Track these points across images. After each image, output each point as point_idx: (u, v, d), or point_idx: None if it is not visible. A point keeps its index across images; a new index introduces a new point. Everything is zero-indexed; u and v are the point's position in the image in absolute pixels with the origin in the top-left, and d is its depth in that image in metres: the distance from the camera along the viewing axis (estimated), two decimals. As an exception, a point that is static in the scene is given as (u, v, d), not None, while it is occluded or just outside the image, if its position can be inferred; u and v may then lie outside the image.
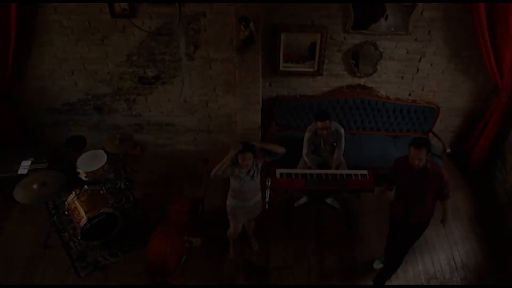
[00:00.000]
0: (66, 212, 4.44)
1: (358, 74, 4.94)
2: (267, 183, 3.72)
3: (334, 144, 4.64)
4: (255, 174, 3.88)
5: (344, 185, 4.31)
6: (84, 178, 4.51)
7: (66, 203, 4.44)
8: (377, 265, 4.35)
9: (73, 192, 4.39)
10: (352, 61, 4.84)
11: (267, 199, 3.73)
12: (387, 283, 4.20)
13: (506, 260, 4.44)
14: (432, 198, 3.65)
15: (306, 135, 4.59)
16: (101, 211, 4.20)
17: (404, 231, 3.88)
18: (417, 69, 4.89)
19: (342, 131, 4.57)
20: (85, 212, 4.18)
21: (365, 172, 4.41)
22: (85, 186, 4.44)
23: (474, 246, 4.58)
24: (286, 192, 4.92)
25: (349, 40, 4.70)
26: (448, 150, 4.98)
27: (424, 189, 3.57)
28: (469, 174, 5.32)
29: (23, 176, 4.49)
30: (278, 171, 4.41)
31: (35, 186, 3.89)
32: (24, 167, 4.85)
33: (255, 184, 3.95)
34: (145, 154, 5.72)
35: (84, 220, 4.14)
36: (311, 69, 4.92)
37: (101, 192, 4.48)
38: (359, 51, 4.73)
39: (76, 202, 4.32)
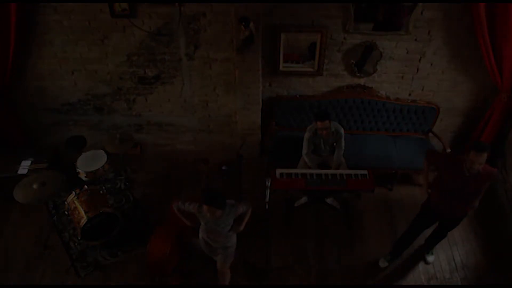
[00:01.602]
0: (66, 212, 4.44)
1: (358, 74, 4.94)
2: (267, 183, 3.73)
3: (334, 144, 4.64)
4: (224, 226, 3.57)
5: (344, 185, 4.31)
6: (84, 178, 4.51)
7: (66, 203, 4.44)
8: (383, 263, 4.36)
9: (73, 192, 4.39)
10: (352, 61, 4.84)
11: (267, 199, 3.73)
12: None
13: (506, 260, 4.44)
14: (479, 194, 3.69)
15: (306, 135, 4.59)
16: (101, 211, 4.20)
17: (442, 224, 4.01)
18: (417, 69, 4.89)
19: (342, 131, 4.57)
20: (85, 212, 4.18)
21: (365, 172, 4.41)
22: (85, 186, 4.44)
23: (474, 246, 4.58)
24: (286, 192, 4.92)
25: (349, 40, 4.70)
26: (448, 150, 4.97)
27: (475, 191, 3.58)
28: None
29: (23, 176, 4.49)
30: (278, 171, 4.41)
31: (35, 186, 3.89)
32: (24, 167, 4.85)
33: (223, 234, 3.63)
34: (145, 154, 5.72)
35: (84, 220, 4.13)
36: (311, 69, 4.92)
37: (101, 192, 4.48)
38: (359, 51, 4.74)
39: (76, 202, 4.32)
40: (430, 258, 4.40)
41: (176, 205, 3.61)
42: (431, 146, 5.09)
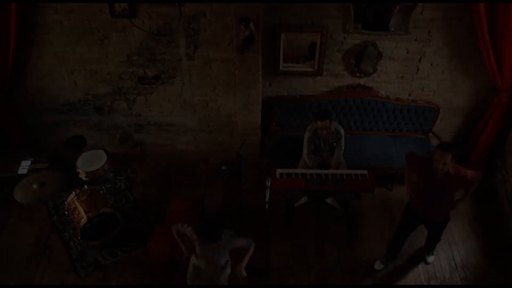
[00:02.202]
0: (66, 212, 4.44)
1: (358, 74, 4.94)
2: (267, 183, 3.72)
3: (334, 144, 4.64)
4: (219, 258, 3.34)
5: (344, 185, 4.31)
6: (84, 178, 4.51)
7: (66, 203, 4.44)
8: (378, 266, 4.35)
9: (73, 192, 4.39)
10: (352, 61, 4.84)
11: (267, 199, 3.73)
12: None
13: (506, 260, 4.43)
14: (453, 196, 3.66)
15: (306, 135, 4.59)
16: (101, 211, 4.20)
17: (427, 227, 4.02)
18: (417, 69, 4.89)
19: (342, 131, 4.57)
20: (85, 212, 4.18)
21: (365, 172, 4.40)
22: (85, 186, 4.44)
23: (474, 246, 4.58)
24: (286, 192, 4.92)
25: (349, 40, 4.70)
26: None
27: (447, 192, 3.56)
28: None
29: (23, 176, 4.49)
30: (278, 171, 4.41)
31: (35, 186, 3.88)
32: (24, 167, 4.85)
33: (218, 266, 3.39)
34: (145, 154, 5.72)
35: (84, 220, 4.13)
36: (311, 69, 4.92)
37: (101, 192, 4.48)
38: (360, 51, 4.74)
39: (76, 202, 4.32)
40: (430, 259, 4.40)
41: (176, 227, 3.47)
42: (431, 146, 5.09)
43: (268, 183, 3.73)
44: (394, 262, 4.37)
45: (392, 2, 4.35)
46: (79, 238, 4.26)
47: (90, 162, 4.54)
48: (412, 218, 3.96)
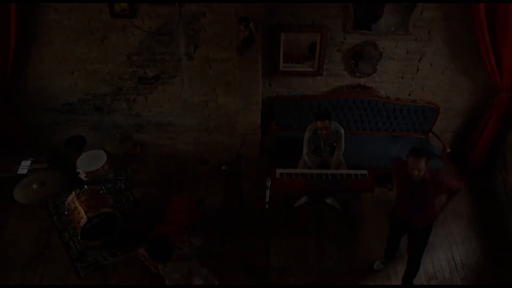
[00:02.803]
0: (66, 212, 4.44)
1: (358, 74, 4.94)
2: (267, 183, 3.72)
3: (334, 144, 4.64)
4: (173, 279, 3.27)
5: (344, 185, 4.31)
6: (84, 178, 4.51)
7: (66, 203, 4.44)
8: (378, 266, 4.35)
9: (73, 192, 4.39)
10: (352, 61, 4.84)
11: (267, 199, 3.73)
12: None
13: (506, 260, 4.43)
14: (433, 204, 3.60)
15: (306, 135, 4.59)
16: (101, 211, 4.20)
17: (409, 236, 3.90)
18: (417, 69, 4.89)
19: (342, 131, 4.57)
20: (85, 212, 4.18)
21: (365, 172, 4.40)
22: (85, 186, 4.44)
23: (474, 246, 4.57)
24: (286, 192, 4.92)
25: (349, 40, 4.70)
26: (448, 150, 4.98)
27: (424, 198, 3.50)
28: (469, 174, 5.32)
29: (23, 176, 4.49)
30: (278, 171, 4.41)
31: (35, 186, 3.88)
32: (24, 167, 4.85)
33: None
34: (145, 154, 5.72)
35: (84, 220, 4.13)
36: (311, 69, 4.92)
37: (101, 192, 4.48)
38: (360, 51, 4.73)
39: (76, 202, 4.32)
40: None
41: (141, 251, 3.50)
42: (431, 146, 5.09)
43: (268, 183, 3.72)
44: (394, 262, 4.37)
45: (393, 2, 4.35)
46: (79, 238, 4.26)
47: (90, 162, 4.54)
48: (396, 222, 3.95)
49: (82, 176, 4.50)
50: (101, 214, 4.21)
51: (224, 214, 4.89)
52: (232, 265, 4.40)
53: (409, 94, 5.12)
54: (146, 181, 5.32)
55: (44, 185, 3.93)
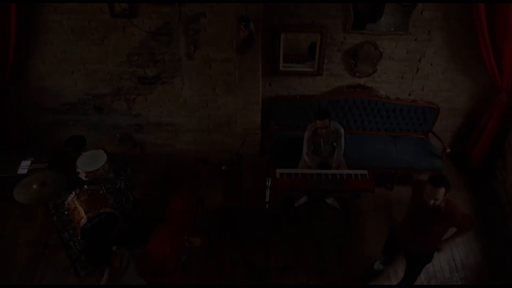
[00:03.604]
0: (66, 212, 4.44)
1: (358, 74, 4.94)
2: (267, 183, 3.72)
3: (334, 143, 4.64)
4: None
5: (344, 185, 4.31)
6: (84, 178, 4.51)
7: (66, 203, 4.43)
8: (378, 266, 4.35)
9: (73, 192, 4.38)
10: (352, 61, 4.84)
11: (267, 199, 3.73)
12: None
13: (506, 260, 4.44)
14: (439, 234, 3.44)
15: (306, 134, 4.59)
16: (101, 211, 4.19)
17: (406, 258, 3.83)
18: (417, 69, 4.89)
19: (342, 130, 4.57)
20: (85, 212, 4.18)
21: (365, 172, 4.41)
22: (85, 186, 4.44)
23: (474, 246, 4.57)
24: (286, 192, 4.92)
25: (349, 40, 4.70)
26: (448, 150, 4.98)
27: (431, 227, 3.34)
28: (469, 174, 5.33)
29: (23, 176, 4.49)
30: (278, 171, 4.41)
31: (35, 186, 3.89)
32: (24, 167, 4.85)
33: None
34: (145, 154, 5.72)
35: (84, 220, 4.13)
36: (311, 69, 4.92)
37: (101, 192, 4.48)
38: (360, 51, 4.73)
39: (76, 202, 4.32)
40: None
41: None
42: (431, 146, 5.09)
43: (268, 183, 3.72)
44: (394, 262, 4.37)
45: (393, 2, 4.35)
46: (79, 238, 4.26)
47: (90, 162, 4.54)
48: (394, 243, 3.89)
49: (82, 176, 4.50)
50: (101, 214, 4.21)
51: (224, 214, 4.89)
52: (232, 265, 4.40)
53: (409, 94, 5.12)
54: (146, 181, 5.32)
55: (44, 185, 3.93)
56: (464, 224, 3.38)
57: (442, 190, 3.06)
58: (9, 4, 4.28)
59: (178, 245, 4.04)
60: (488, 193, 5.14)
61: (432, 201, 3.11)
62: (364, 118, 5.19)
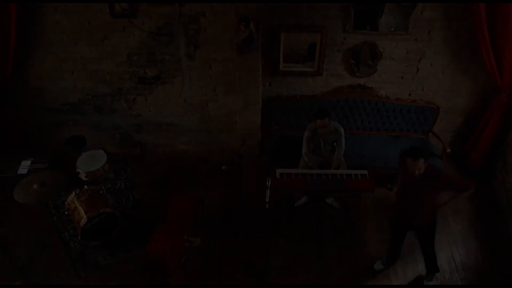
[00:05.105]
0: (66, 212, 4.44)
1: (358, 74, 4.94)
2: (267, 183, 3.72)
3: (334, 143, 4.64)
4: None
5: (344, 185, 4.31)
6: (84, 178, 4.50)
7: (66, 203, 4.43)
8: (378, 266, 4.34)
9: (73, 192, 4.38)
10: (352, 61, 4.84)
11: (267, 199, 3.73)
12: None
13: (506, 260, 4.43)
14: (432, 201, 3.62)
15: (306, 134, 4.59)
16: (101, 211, 4.20)
17: (415, 234, 3.95)
18: (417, 69, 4.89)
19: (342, 130, 4.57)
20: (85, 212, 4.18)
21: (365, 172, 4.41)
22: (85, 186, 4.44)
23: (474, 246, 4.57)
24: (286, 192, 4.92)
25: (349, 40, 4.70)
26: (448, 150, 4.98)
27: (420, 192, 3.55)
28: (469, 174, 5.32)
29: (23, 176, 4.49)
30: (278, 171, 4.41)
31: (35, 186, 3.88)
32: (24, 167, 4.85)
33: None
34: (145, 154, 5.72)
35: (84, 220, 4.13)
36: (311, 69, 4.92)
37: (101, 192, 4.48)
38: (360, 51, 4.73)
39: (76, 202, 4.32)
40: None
41: None
42: (431, 146, 5.09)
43: (268, 183, 3.72)
44: (390, 265, 4.37)
45: (393, 2, 4.35)
46: (79, 238, 4.26)
47: (90, 162, 4.54)
48: (398, 223, 3.97)
49: (82, 176, 4.50)
50: (101, 214, 4.21)
51: (224, 214, 4.89)
52: (232, 265, 4.40)
53: (409, 94, 5.12)
54: (146, 181, 5.32)
55: (44, 185, 3.92)
56: (455, 184, 3.63)
57: (421, 161, 3.37)
58: (9, 4, 4.28)
59: (178, 245, 4.04)
60: (488, 193, 5.14)
61: (416, 172, 3.41)
62: (364, 118, 5.19)
